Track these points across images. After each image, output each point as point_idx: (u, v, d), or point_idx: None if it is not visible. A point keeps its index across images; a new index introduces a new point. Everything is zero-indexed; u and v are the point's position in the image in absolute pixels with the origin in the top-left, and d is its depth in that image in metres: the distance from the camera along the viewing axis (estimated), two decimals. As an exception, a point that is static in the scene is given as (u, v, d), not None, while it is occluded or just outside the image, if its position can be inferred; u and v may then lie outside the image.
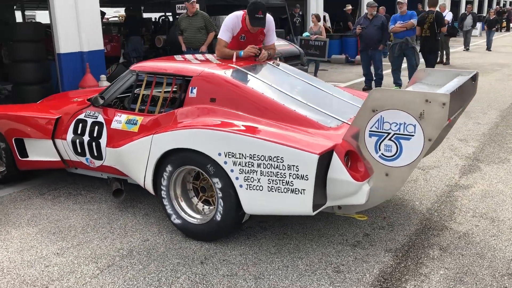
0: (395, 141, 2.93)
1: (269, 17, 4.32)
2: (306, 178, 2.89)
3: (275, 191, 3.00)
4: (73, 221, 3.80)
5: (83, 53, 8.36)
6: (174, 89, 3.91)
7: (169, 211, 3.48)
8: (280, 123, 3.29)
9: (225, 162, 3.10)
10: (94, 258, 3.21)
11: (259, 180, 3.03)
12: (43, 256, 3.25)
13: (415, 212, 3.85)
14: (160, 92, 3.94)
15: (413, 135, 2.87)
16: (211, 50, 8.22)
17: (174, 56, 4.54)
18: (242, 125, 3.24)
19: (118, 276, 2.98)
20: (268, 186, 3.01)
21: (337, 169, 2.98)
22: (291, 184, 2.94)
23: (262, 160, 2.99)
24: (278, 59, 4.54)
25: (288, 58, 8.74)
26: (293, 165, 2.91)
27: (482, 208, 3.90)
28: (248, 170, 3.04)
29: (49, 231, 3.63)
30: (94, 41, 8.51)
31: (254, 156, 3.01)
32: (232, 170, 3.09)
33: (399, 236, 3.45)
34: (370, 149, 3.00)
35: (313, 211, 2.96)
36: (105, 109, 4.04)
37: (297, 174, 2.91)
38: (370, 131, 2.98)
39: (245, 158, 3.03)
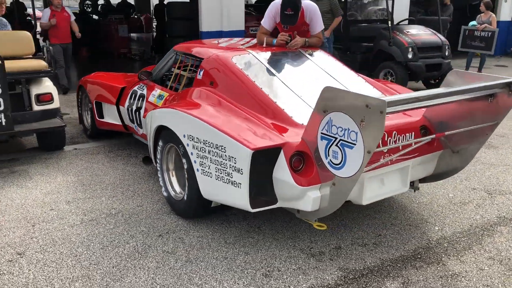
0: (341, 148, 2.58)
1: (311, 5, 4.10)
2: (241, 173, 2.78)
3: (220, 180, 2.95)
4: (107, 178, 4.34)
5: (223, 32, 9.00)
6: (194, 70, 4.06)
7: (161, 183, 3.71)
8: (252, 112, 3.18)
9: (187, 144, 3.16)
10: (87, 212, 3.65)
11: (209, 167, 3.02)
12: (56, 201, 3.83)
13: (421, 237, 3.27)
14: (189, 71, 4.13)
15: (355, 144, 2.48)
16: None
17: (220, 39, 4.64)
18: (210, 110, 3.23)
19: (87, 231, 3.36)
20: (215, 174, 2.98)
21: (281, 169, 2.78)
22: (231, 176, 2.86)
23: (211, 147, 2.97)
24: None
25: (424, 49, 7.86)
26: (232, 157, 2.83)
27: (514, 251, 3.09)
28: (202, 155, 3.05)
29: (82, 182, 4.23)
30: (235, 21, 9.07)
31: (206, 142, 3.00)
32: (192, 153, 3.14)
33: (371, 258, 3.01)
34: (322, 153, 2.70)
35: (252, 208, 2.82)
36: (150, 83, 4.43)
37: (235, 166, 2.82)
38: (321, 133, 2.67)
39: (200, 143, 3.05)
